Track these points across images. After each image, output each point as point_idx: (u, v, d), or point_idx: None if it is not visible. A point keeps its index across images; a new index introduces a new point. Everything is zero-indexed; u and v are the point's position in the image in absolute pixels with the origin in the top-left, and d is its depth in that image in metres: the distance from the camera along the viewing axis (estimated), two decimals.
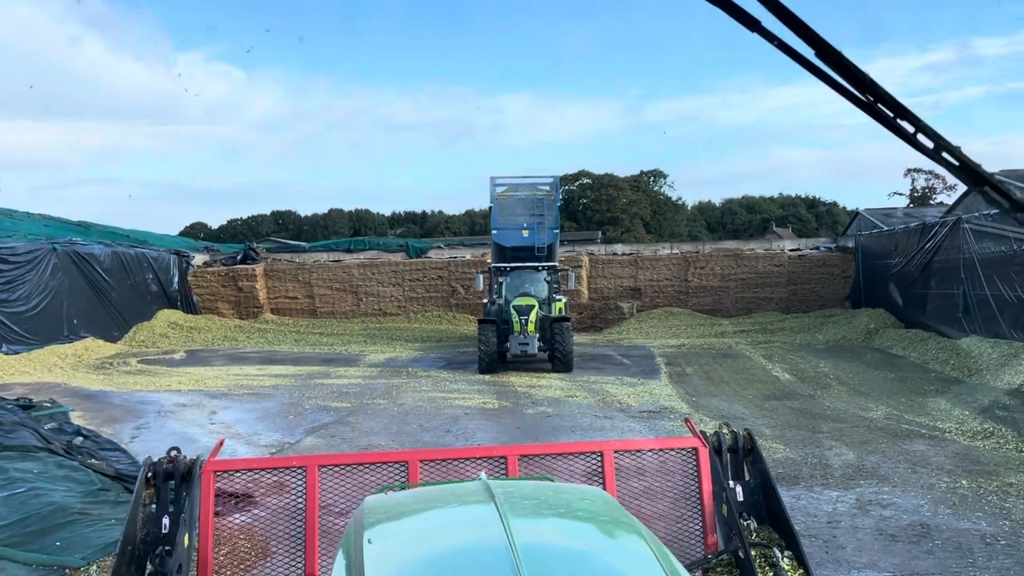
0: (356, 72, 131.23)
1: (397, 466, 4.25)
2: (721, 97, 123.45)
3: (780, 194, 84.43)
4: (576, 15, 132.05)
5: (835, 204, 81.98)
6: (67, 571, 6.09)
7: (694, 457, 4.41)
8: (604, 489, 4.12)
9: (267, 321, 28.15)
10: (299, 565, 4.08)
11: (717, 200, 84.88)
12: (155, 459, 4.14)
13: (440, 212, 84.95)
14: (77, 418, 12.35)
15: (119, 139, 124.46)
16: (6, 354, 18.51)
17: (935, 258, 20.85)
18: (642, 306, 28.22)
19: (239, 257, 29.57)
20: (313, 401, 14.40)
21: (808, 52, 1.50)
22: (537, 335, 17.87)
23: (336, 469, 4.25)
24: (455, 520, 2.71)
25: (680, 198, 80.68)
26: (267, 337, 25.69)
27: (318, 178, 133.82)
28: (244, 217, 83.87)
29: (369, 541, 2.37)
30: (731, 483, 4.35)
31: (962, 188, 24.48)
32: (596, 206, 67.81)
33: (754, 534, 4.18)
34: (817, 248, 28.68)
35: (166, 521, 3.98)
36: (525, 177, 21.54)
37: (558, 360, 17.68)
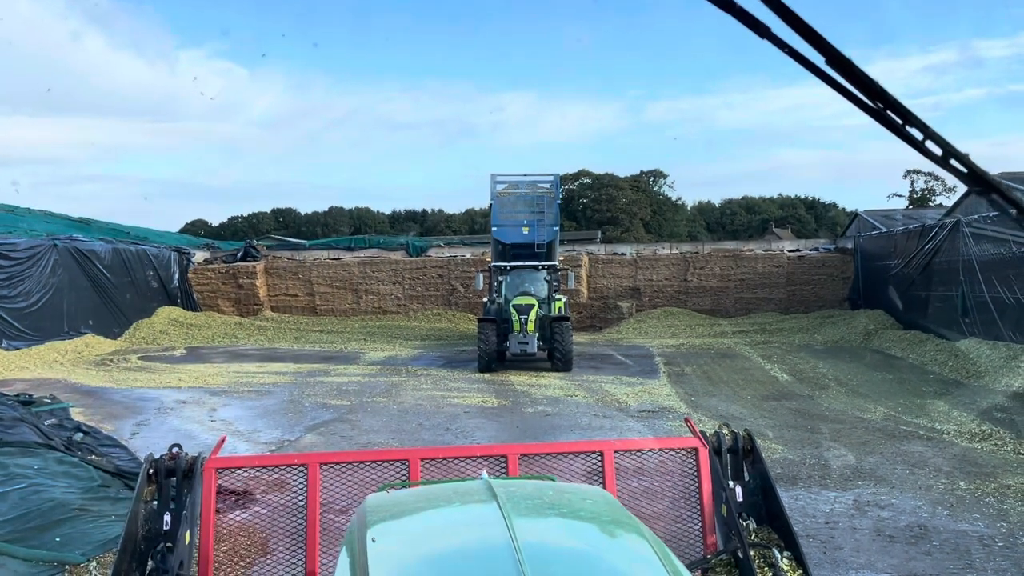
0: (357, 70, 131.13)
1: (398, 464, 4.27)
2: (721, 98, 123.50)
3: (779, 195, 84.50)
4: (577, 15, 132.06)
5: (834, 205, 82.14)
6: (67, 567, 6.09)
7: (694, 457, 4.42)
8: (604, 489, 4.13)
9: (267, 318, 28.16)
10: (300, 562, 4.09)
11: (717, 200, 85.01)
12: (157, 456, 4.16)
13: (440, 211, 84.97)
14: (77, 414, 12.36)
15: (120, 136, 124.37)
16: (6, 350, 18.51)
17: (934, 260, 20.87)
18: (641, 306, 28.25)
19: (239, 254, 29.58)
20: (313, 399, 14.41)
21: (818, 59, 1.51)
22: (537, 334, 17.89)
23: (337, 467, 4.26)
24: (458, 519, 2.73)
25: (680, 198, 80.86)
26: (267, 334, 25.70)
27: (319, 176, 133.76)
28: (245, 214, 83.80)
29: (373, 540, 2.38)
30: (730, 483, 4.36)
31: (962, 190, 24.53)
32: (596, 206, 67.81)
33: (753, 534, 4.19)
34: (816, 249, 28.71)
35: (167, 518, 3.99)
36: (526, 174, 21.58)
37: (557, 359, 17.70)
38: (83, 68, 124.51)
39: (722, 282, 28.07)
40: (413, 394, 14.88)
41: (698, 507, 4.32)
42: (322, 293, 29.10)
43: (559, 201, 21.48)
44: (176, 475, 4.10)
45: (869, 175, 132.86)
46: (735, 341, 23.50)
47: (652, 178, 76.26)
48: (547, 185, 21.14)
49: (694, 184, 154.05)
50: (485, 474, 3.25)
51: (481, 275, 20.48)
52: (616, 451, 4.38)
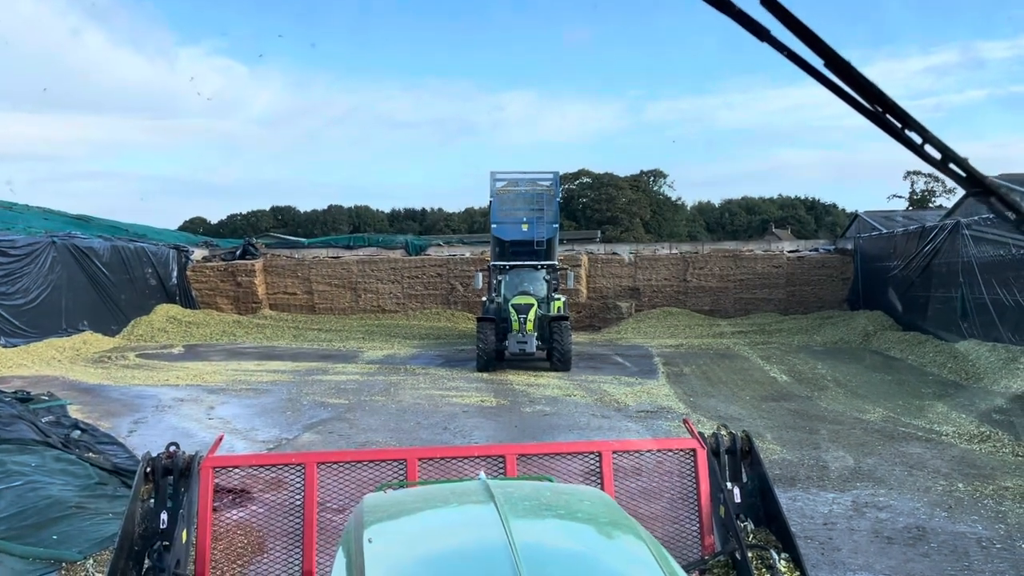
0: (357, 67, 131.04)
1: (395, 464, 4.26)
2: (721, 98, 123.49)
3: (779, 195, 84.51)
4: (578, 15, 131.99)
5: (834, 206, 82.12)
6: (64, 565, 6.08)
7: (692, 458, 4.41)
8: (602, 489, 4.12)
9: (265, 317, 28.15)
10: (297, 562, 4.08)
11: (716, 201, 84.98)
12: (154, 454, 4.15)
13: (440, 210, 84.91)
14: (75, 412, 12.36)
15: (119, 133, 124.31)
16: (4, 347, 18.50)
17: (934, 261, 20.88)
18: (640, 306, 28.25)
19: (238, 252, 29.56)
20: (311, 397, 14.41)
21: (817, 62, 1.50)
22: (535, 334, 17.88)
23: (334, 466, 4.25)
24: (455, 520, 2.72)
25: (680, 198, 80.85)
26: (265, 333, 25.70)
27: (318, 174, 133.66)
28: (244, 212, 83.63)
29: (369, 540, 2.37)
30: (728, 484, 4.35)
31: (961, 192, 24.48)
32: (596, 205, 67.80)
33: (751, 536, 4.19)
34: (816, 250, 28.71)
35: (164, 516, 3.99)
36: (525, 172, 21.63)
37: (556, 359, 17.69)
38: (83, 65, 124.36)
39: (721, 282, 28.08)
40: (411, 393, 14.88)
41: (696, 508, 4.31)
42: (321, 291, 29.09)
43: (559, 199, 21.50)
44: (173, 473, 4.09)
45: (869, 176, 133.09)
46: (734, 341, 23.51)
47: (652, 178, 76.27)
48: (547, 183, 21.17)
49: (694, 184, 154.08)
50: (483, 474, 3.24)
51: (480, 274, 20.48)
52: (614, 452, 4.37)
